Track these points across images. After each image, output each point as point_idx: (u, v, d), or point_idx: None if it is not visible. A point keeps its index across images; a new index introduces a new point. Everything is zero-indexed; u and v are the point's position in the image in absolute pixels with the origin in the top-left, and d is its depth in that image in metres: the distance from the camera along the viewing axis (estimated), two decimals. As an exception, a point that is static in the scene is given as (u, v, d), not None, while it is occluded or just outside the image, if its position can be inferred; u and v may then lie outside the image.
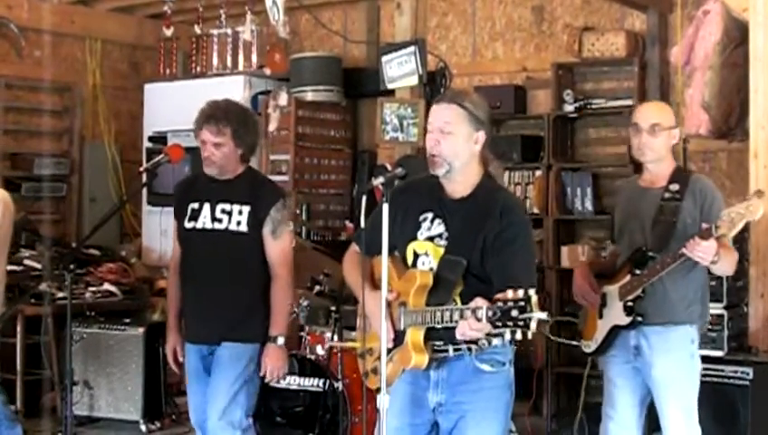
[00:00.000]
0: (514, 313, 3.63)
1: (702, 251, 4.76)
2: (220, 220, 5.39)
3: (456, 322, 3.89)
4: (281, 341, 5.42)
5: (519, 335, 3.65)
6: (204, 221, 5.43)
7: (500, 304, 3.67)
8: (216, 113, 5.37)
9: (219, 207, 5.41)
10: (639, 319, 5.10)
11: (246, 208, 5.37)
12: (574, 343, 5.73)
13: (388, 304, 4.13)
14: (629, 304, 5.11)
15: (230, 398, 5.34)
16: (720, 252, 4.79)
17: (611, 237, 5.49)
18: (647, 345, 5.13)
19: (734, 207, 4.77)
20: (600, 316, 5.29)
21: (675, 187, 5.13)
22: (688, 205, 5.07)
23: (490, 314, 3.69)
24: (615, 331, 5.20)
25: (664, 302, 5.09)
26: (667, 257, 4.97)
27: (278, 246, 5.41)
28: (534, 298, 3.64)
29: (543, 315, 3.63)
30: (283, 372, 5.52)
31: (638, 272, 5.09)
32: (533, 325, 3.61)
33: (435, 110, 4.26)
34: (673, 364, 5.09)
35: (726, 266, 5.00)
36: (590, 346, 5.38)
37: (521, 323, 3.63)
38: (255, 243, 5.39)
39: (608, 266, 5.38)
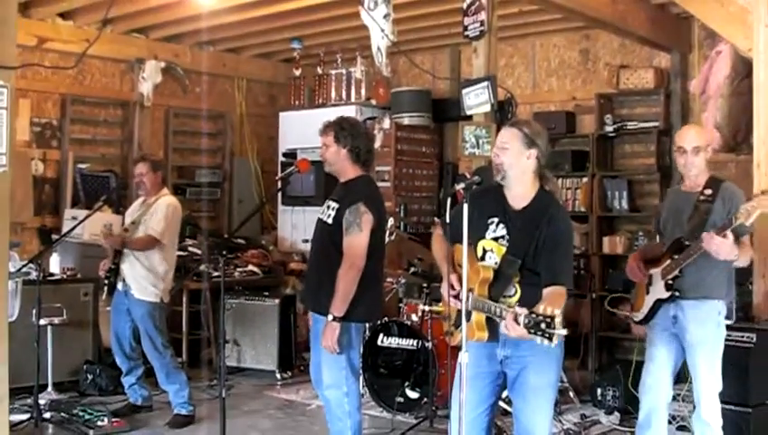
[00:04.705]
0: (543, 326, 3.68)
1: (716, 245, 4.75)
2: (323, 212, 5.25)
3: (499, 317, 3.94)
4: (330, 318, 4.98)
5: (546, 342, 3.68)
6: (320, 212, 5.33)
7: (533, 315, 3.72)
8: (327, 123, 5.32)
9: (327, 202, 5.27)
10: (677, 294, 5.06)
11: (336, 205, 5.14)
12: (625, 312, 5.65)
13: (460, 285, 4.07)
14: (669, 282, 5.07)
15: (330, 366, 5.13)
16: (739, 251, 4.80)
17: (657, 230, 5.40)
18: (682, 315, 5.06)
19: (749, 202, 4.77)
20: (647, 292, 5.24)
21: (708, 191, 5.06)
22: (718, 206, 5.00)
23: (526, 321, 3.74)
24: (658, 304, 5.15)
25: (697, 281, 5.02)
26: (697, 246, 4.91)
27: (347, 240, 5.03)
28: (558, 319, 3.65)
29: (563, 332, 3.66)
30: (332, 346, 5.00)
31: (676, 257, 5.04)
32: (555, 340, 3.66)
33: (500, 133, 4.34)
34: (703, 331, 5.02)
35: (745, 260, 4.95)
36: (638, 316, 5.31)
37: (546, 335, 3.67)
38: (336, 234, 5.09)
39: (655, 253, 5.30)
